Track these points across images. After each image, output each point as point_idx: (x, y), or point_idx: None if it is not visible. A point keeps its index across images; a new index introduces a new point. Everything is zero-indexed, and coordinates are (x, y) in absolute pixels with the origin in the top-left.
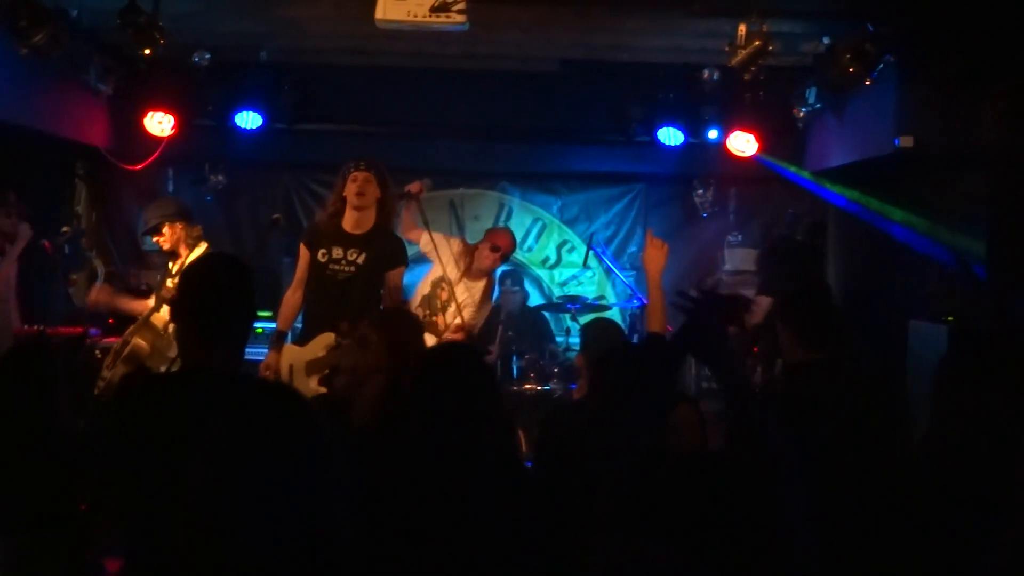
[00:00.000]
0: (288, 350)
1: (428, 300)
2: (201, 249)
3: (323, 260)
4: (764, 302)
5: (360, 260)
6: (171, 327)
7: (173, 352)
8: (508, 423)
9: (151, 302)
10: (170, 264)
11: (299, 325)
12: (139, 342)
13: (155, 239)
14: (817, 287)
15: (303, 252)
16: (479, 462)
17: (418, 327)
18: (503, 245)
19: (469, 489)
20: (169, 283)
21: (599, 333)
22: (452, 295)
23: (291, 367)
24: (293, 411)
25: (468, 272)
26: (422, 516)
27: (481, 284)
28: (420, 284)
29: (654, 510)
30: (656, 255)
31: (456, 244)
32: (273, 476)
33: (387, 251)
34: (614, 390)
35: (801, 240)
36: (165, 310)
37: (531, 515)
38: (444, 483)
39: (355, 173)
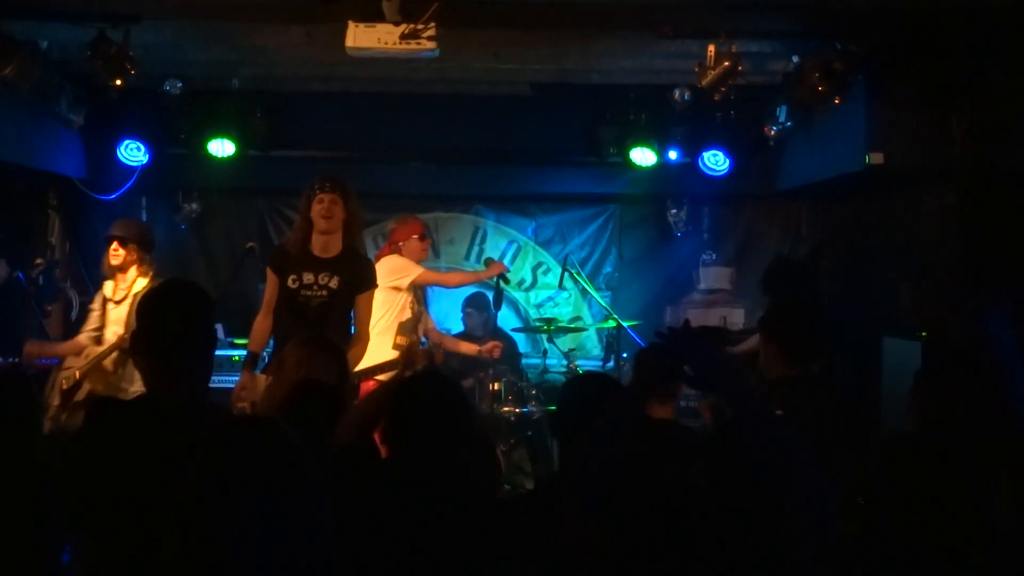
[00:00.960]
0: (263, 380)
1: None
2: (146, 281)
3: (294, 286)
4: None
5: (333, 284)
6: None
7: (132, 386)
8: (487, 447)
9: (83, 338)
10: (107, 286)
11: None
12: (94, 387)
13: (112, 250)
14: (803, 303)
15: (271, 277)
16: (454, 488)
17: (338, 354)
18: (419, 228)
19: (444, 515)
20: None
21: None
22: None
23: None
24: (270, 442)
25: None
26: (398, 543)
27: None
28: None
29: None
30: None
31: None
32: (252, 505)
33: (359, 274)
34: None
35: (799, 261)
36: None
37: (508, 539)
38: (418, 509)
39: (320, 195)
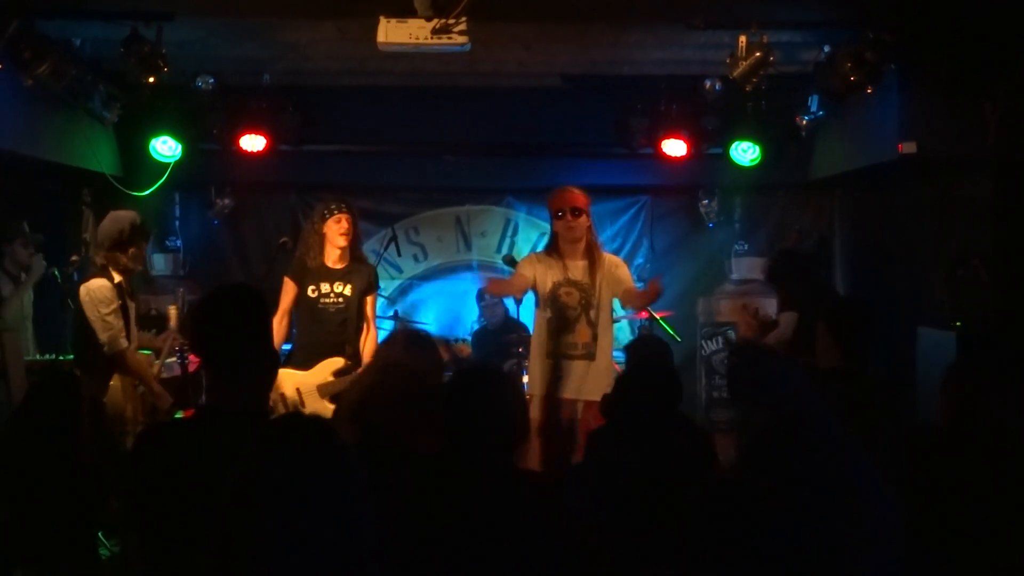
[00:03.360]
0: (289, 374)
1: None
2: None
3: (313, 295)
4: (790, 318)
5: (347, 292)
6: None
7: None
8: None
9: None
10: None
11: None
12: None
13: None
14: (864, 300)
15: (290, 286)
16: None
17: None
18: (574, 199)
19: (489, 514)
20: None
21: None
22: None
23: (298, 390)
24: (327, 454)
25: (561, 255)
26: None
27: (583, 262)
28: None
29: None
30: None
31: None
32: (292, 514)
33: (367, 281)
34: None
35: (803, 251)
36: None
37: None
38: (462, 506)
39: (339, 215)
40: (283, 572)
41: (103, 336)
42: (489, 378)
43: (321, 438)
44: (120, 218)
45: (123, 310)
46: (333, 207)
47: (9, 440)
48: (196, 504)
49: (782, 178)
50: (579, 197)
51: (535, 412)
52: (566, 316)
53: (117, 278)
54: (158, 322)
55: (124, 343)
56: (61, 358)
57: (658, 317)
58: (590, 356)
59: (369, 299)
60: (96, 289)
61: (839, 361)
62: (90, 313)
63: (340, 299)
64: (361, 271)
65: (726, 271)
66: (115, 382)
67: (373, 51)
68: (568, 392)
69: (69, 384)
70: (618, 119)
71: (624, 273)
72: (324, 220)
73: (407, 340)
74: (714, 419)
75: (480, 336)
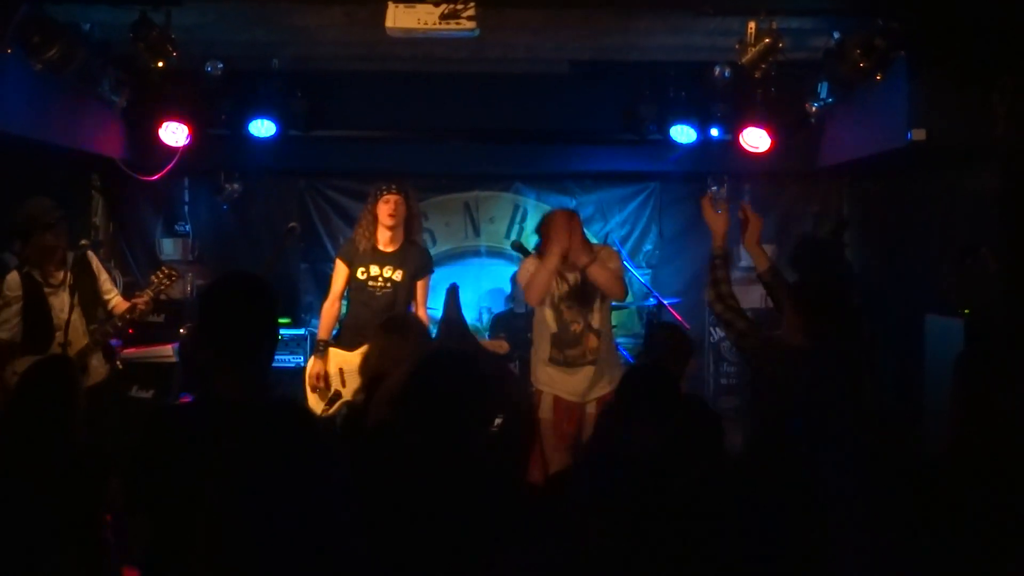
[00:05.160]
0: (335, 353)
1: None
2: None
3: (363, 277)
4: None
5: (396, 276)
6: None
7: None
8: (516, 428)
9: None
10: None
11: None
12: None
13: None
14: (830, 280)
15: (342, 268)
16: (466, 472)
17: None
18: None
19: (454, 499)
20: None
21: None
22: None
23: (341, 370)
24: (307, 441)
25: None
26: (416, 525)
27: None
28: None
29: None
30: (712, 219)
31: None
32: (285, 503)
33: (418, 264)
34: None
35: (824, 238)
36: None
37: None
38: (430, 491)
39: (387, 195)
40: (266, 553)
41: None
42: (455, 364)
43: (304, 424)
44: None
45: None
46: (383, 187)
47: (6, 425)
48: (194, 488)
49: (791, 165)
50: (576, 231)
51: (545, 412)
52: (570, 331)
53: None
54: (168, 307)
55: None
56: None
57: (666, 302)
58: (597, 359)
59: (420, 283)
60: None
61: (803, 341)
62: None
63: (388, 284)
64: (414, 254)
65: (734, 258)
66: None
67: (382, 36)
68: (578, 396)
69: (64, 367)
70: (627, 105)
71: (615, 264)
72: (376, 201)
73: (449, 331)
74: (722, 406)
75: (508, 319)
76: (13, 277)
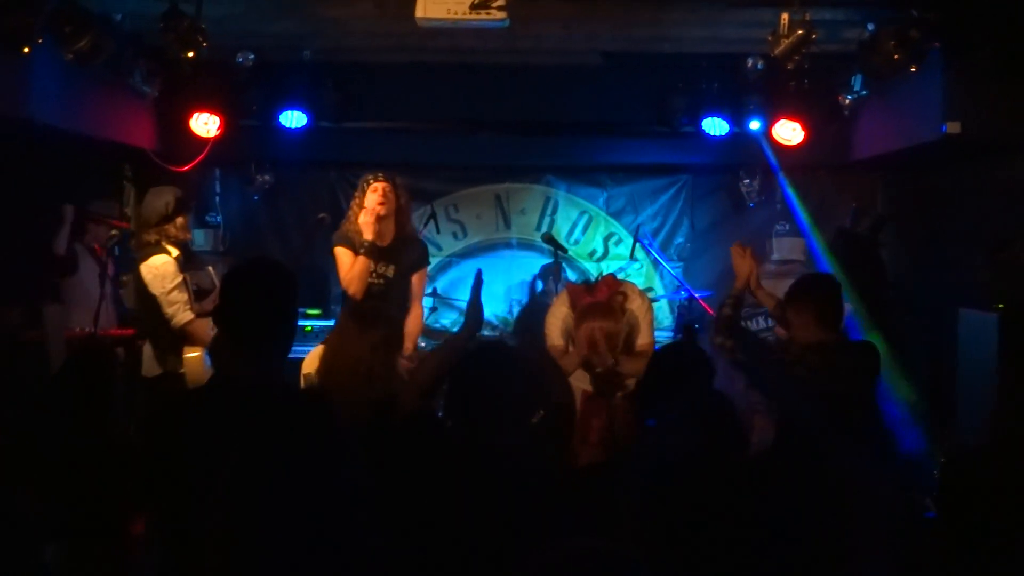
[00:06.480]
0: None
1: None
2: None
3: None
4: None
5: (390, 273)
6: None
7: None
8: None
9: None
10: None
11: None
12: None
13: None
14: (824, 274)
15: (347, 253)
16: (507, 465)
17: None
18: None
19: (495, 493)
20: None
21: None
22: None
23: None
24: (318, 426)
25: None
26: (454, 518)
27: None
28: None
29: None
30: (741, 263)
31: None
32: (297, 487)
33: (413, 258)
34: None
35: (861, 233)
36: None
37: (572, 511)
38: (471, 484)
39: (375, 183)
40: (277, 540)
41: (168, 311)
42: (498, 356)
43: (317, 410)
44: (162, 192)
45: (184, 283)
46: (371, 177)
47: (42, 412)
48: (207, 476)
49: (824, 158)
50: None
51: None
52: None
53: (174, 252)
54: (199, 296)
55: (188, 315)
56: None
57: (697, 295)
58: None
59: (415, 277)
60: (159, 266)
61: (819, 334)
62: (155, 290)
63: (381, 280)
64: (408, 248)
65: (767, 251)
66: (195, 353)
67: (412, 27)
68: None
69: (104, 357)
70: (659, 97)
71: (636, 306)
72: (364, 192)
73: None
74: (752, 400)
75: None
76: (167, 260)
